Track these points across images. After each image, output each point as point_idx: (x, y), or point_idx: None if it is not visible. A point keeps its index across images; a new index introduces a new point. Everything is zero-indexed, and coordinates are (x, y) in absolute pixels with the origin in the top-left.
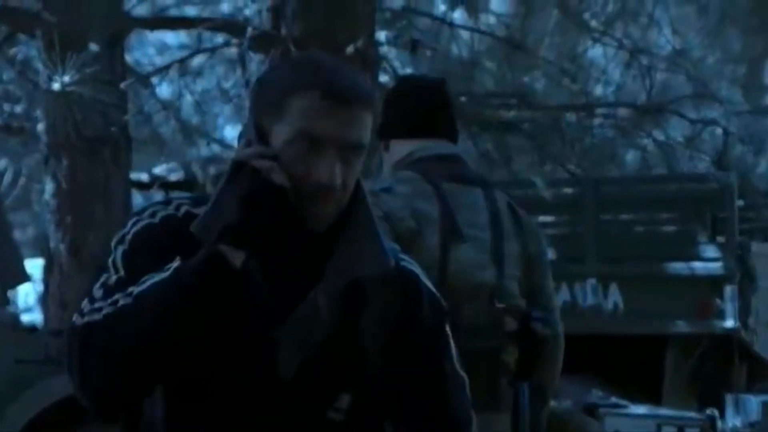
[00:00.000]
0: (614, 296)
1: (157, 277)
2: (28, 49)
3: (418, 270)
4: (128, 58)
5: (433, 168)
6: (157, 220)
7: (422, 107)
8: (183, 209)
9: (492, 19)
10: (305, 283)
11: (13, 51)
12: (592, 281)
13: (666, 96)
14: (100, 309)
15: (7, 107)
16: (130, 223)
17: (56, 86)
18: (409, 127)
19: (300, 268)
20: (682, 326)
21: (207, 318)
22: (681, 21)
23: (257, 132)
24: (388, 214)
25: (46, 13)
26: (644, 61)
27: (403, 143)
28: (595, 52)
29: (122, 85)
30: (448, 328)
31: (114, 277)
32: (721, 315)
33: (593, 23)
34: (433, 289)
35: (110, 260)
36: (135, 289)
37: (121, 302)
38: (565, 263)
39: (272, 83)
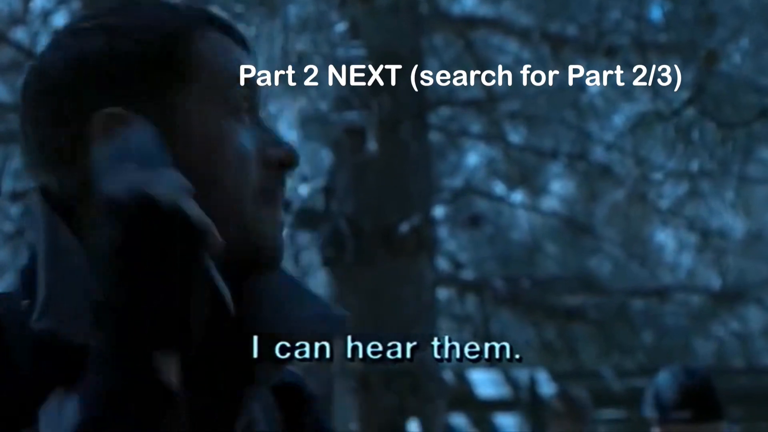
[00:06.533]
0: None
1: None
2: None
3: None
4: None
5: None
6: None
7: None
8: None
9: (553, 202)
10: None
11: None
12: None
13: (742, 282)
14: None
15: None
16: None
17: None
18: None
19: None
20: None
21: None
22: (754, 203)
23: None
24: None
25: None
26: (717, 243)
27: None
28: (664, 234)
29: None
30: None
31: None
32: None
33: (661, 204)
34: None
35: None
36: None
37: None
38: None
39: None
